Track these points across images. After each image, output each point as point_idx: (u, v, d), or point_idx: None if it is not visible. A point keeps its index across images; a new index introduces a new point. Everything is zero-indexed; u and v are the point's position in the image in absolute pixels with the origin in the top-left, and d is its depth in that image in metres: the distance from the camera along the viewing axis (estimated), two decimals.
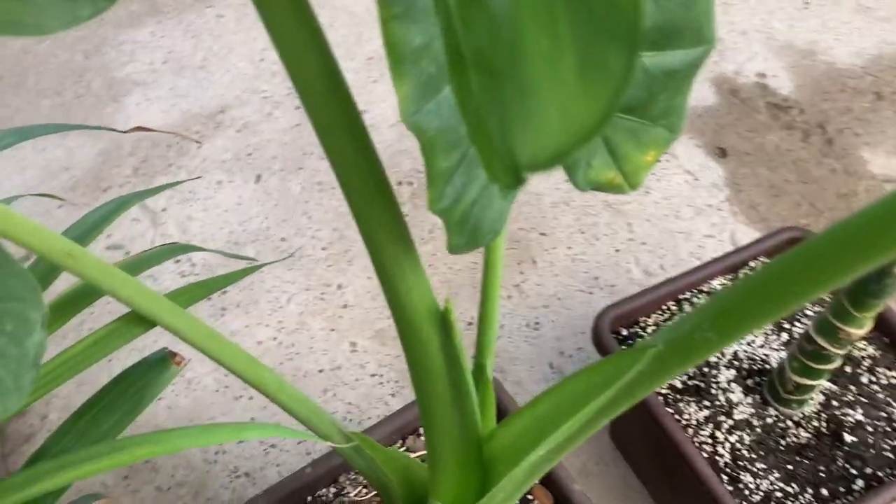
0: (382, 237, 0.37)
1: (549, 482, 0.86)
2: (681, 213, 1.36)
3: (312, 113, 0.32)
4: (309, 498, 0.84)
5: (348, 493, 0.86)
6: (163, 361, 0.45)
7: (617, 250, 1.31)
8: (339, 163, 0.34)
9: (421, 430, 0.90)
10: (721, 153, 1.46)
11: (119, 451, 0.37)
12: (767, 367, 0.93)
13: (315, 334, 1.26)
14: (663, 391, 0.92)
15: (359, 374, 1.22)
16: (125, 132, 0.55)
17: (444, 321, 0.43)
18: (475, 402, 0.49)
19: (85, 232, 0.44)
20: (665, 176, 1.42)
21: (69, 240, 0.31)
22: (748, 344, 0.95)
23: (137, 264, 0.44)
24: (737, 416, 0.89)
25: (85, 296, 0.42)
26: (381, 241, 0.37)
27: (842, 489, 0.85)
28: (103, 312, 1.16)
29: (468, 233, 0.37)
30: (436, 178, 0.33)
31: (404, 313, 0.42)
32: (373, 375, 1.22)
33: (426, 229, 1.34)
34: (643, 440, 1.00)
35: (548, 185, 1.40)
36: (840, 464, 0.87)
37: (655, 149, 0.45)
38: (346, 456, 0.53)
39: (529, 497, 0.86)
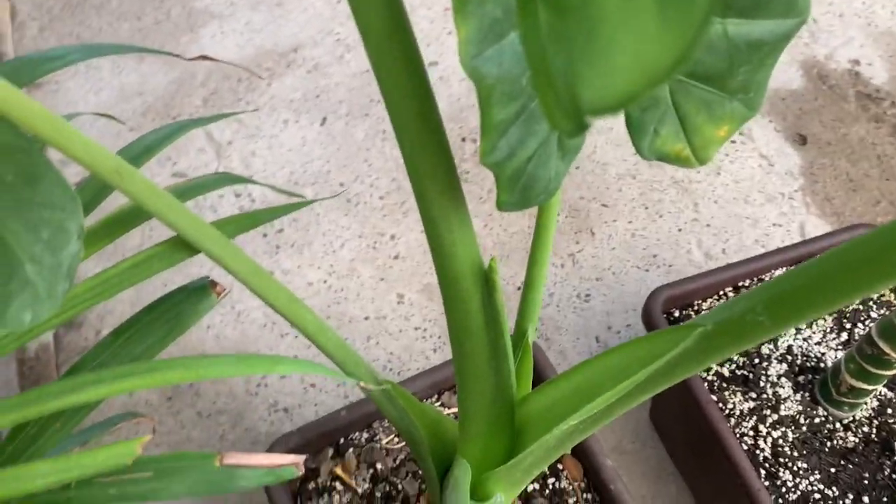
0: (431, 185, 0.36)
1: (581, 454, 0.85)
2: (751, 198, 1.31)
3: (370, 46, 0.31)
4: (342, 440, 0.86)
5: (380, 439, 0.87)
6: (203, 290, 0.46)
7: (679, 229, 1.28)
8: (393, 103, 0.33)
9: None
10: (801, 140, 1.39)
11: (152, 371, 0.37)
12: (822, 365, 0.90)
13: (364, 282, 1.26)
14: (709, 377, 0.90)
15: (403, 325, 1.23)
16: (190, 59, 0.55)
17: (487, 279, 0.42)
18: (511, 365, 0.49)
19: (140, 153, 0.44)
20: (739, 158, 1.36)
21: (119, 157, 0.32)
22: (804, 339, 0.92)
23: (189, 189, 0.44)
24: (783, 412, 0.87)
25: (133, 217, 0.42)
26: (429, 189, 0.36)
27: (885, 499, 0.82)
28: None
29: (520, 191, 0.36)
30: (490, 129, 0.32)
31: (447, 266, 0.41)
32: (416, 329, 1.22)
33: (486, 188, 1.33)
34: (683, 424, 0.98)
35: (615, 156, 1.37)
36: (887, 472, 0.84)
37: (730, 124, 0.42)
38: (378, 403, 0.53)
39: (559, 467, 0.86)
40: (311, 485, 0.84)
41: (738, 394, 0.88)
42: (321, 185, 1.35)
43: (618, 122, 1.43)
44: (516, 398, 0.53)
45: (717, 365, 0.90)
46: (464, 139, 1.41)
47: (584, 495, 0.85)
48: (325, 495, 0.83)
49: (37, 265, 0.23)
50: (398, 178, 1.37)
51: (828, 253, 0.34)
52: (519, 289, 1.22)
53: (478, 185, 1.35)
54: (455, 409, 0.89)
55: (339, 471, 0.84)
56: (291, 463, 0.42)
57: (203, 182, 0.46)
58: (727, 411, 0.87)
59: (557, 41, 0.19)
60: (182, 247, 0.42)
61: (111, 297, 0.40)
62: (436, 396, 0.91)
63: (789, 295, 0.36)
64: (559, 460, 0.86)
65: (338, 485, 0.84)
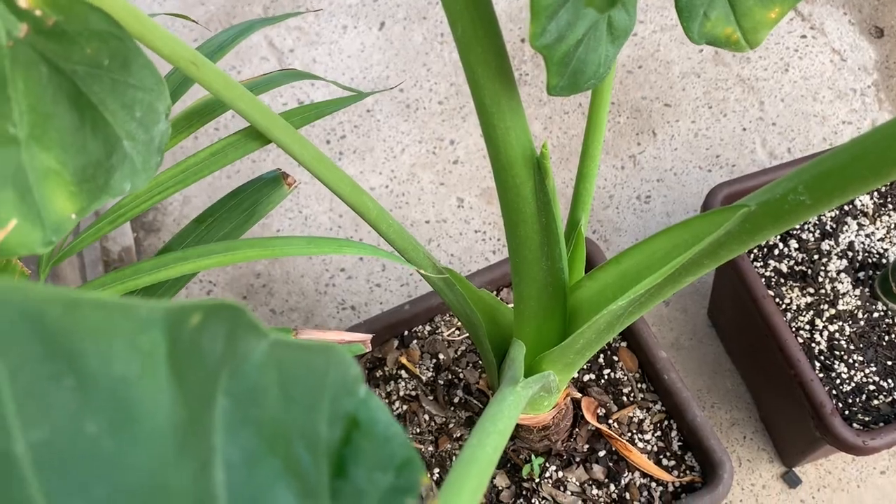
0: (483, 71, 0.38)
1: (636, 347, 0.88)
2: (820, 94, 1.27)
3: None
4: (406, 332, 0.91)
5: (442, 332, 0.91)
6: (275, 181, 0.49)
7: (744, 129, 1.26)
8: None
9: None
10: (877, 33, 1.33)
11: (234, 250, 0.41)
12: (884, 261, 0.90)
13: (424, 186, 1.29)
14: (767, 273, 0.90)
15: (463, 228, 1.26)
16: None
17: (539, 165, 0.44)
18: (563, 249, 0.51)
19: (211, 52, 0.47)
20: (808, 53, 1.32)
21: (195, 50, 0.34)
22: (867, 235, 0.91)
23: (258, 84, 0.47)
24: (840, 307, 0.88)
25: (209, 109, 0.46)
26: (481, 76, 0.38)
27: None
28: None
29: (569, 75, 0.38)
30: (539, 12, 0.33)
31: (501, 153, 0.43)
32: (476, 231, 1.25)
33: (545, 91, 1.33)
34: (740, 320, 1.00)
35: (679, 54, 1.34)
36: None
37: (780, 6, 0.43)
38: (439, 290, 0.57)
39: (615, 359, 0.89)
40: (379, 373, 0.89)
41: (796, 289, 0.89)
42: (385, 91, 1.37)
43: None
44: (568, 284, 0.56)
45: (776, 261, 0.91)
46: (523, 40, 1.40)
47: (639, 385, 0.88)
48: (392, 382, 0.88)
49: (133, 141, 0.26)
50: (457, 82, 1.37)
51: (870, 131, 0.35)
52: None
53: (538, 87, 1.34)
54: (512, 305, 0.93)
55: (404, 360, 0.89)
56: (360, 340, 0.46)
57: (272, 77, 0.49)
58: (784, 306, 0.89)
59: None
60: (254, 137, 0.45)
61: (192, 184, 0.44)
62: (494, 292, 0.95)
63: (830, 173, 0.37)
64: (615, 352, 0.89)
65: (403, 373, 0.89)
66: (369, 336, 0.48)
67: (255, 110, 0.41)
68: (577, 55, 0.38)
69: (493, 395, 0.49)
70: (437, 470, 0.84)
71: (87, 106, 0.25)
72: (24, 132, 0.24)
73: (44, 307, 0.15)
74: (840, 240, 0.91)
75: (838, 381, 0.84)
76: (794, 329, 0.87)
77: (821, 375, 0.84)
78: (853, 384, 0.84)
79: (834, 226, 0.92)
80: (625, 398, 0.87)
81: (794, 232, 0.92)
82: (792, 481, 1.01)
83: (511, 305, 0.93)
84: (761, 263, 0.91)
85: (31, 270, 0.45)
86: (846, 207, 0.93)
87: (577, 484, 0.83)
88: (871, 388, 0.84)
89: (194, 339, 0.19)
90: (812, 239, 0.91)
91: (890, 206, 0.92)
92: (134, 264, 0.41)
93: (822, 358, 0.86)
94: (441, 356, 0.91)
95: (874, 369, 0.85)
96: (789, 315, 0.88)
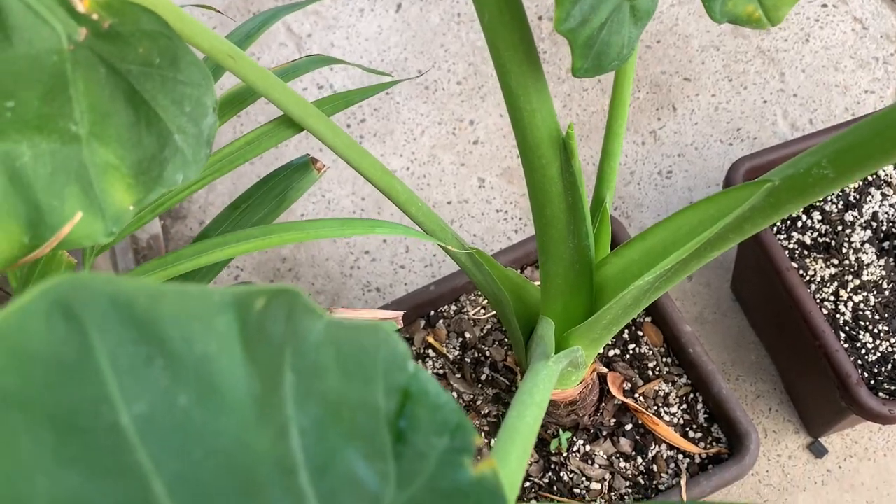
0: (510, 55, 0.39)
1: (661, 321, 0.89)
2: (841, 64, 1.27)
3: None
4: (432, 312, 0.93)
5: (468, 311, 0.93)
6: (305, 166, 0.51)
7: (765, 101, 1.26)
8: None
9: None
10: None
11: (270, 234, 0.43)
12: None
13: (445, 167, 1.31)
14: (791, 245, 0.91)
15: (485, 208, 1.27)
16: None
17: (565, 145, 0.45)
18: (589, 227, 0.52)
19: (239, 41, 0.49)
20: (829, 23, 1.31)
21: (231, 43, 0.36)
22: (890, 205, 0.91)
23: (287, 71, 0.48)
24: (865, 277, 0.88)
25: (242, 98, 0.47)
26: (508, 59, 0.39)
27: None
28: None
29: (593, 57, 0.39)
30: None
31: (527, 135, 0.44)
32: (498, 211, 1.26)
33: (564, 68, 1.33)
34: (763, 293, 1.01)
35: (697, 28, 1.34)
36: None
37: None
38: (466, 268, 0.58)
39: (640, 334, 0.91)
40: None
41: (820, 261, 0.90)
42: (398, 73, 1.38)
43: None
44: (595, 260, 0.57)
45: (799, 233, 0.91)
46: (540, 17, 1.40)
47: (664, 359, 0.90)
48: (420, 361, 0.90)
49: (183, 134, 0.28)
50: (475, 62, 1.38)
51: (894, 103, 0.36)
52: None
53: (556, 65, 1.35)
54: (537, 283, 0.94)
55: (431, 339, 0.91)
56: (392, 318, 0.48)
57: (300, 63, 0.50)
58: (807, 278, 0.89)
59: None
60: (287, 125, 0.47)
61: (229, 171, 0.46)
62: (518, 270, 0.97)
63: (854, 147, 0.38)
64: (639, 328, 0.90)
65: (430, 352, 0.91)
66: (400, 313, 0.50)
67: (290, 99, 0.42)
68: (601, 38, 0.39)
69: (526, 371, 0.50)
70: None
71: (140, 103, 0.27)
72: (84, 130, 0.25)
73: (132, 297, 0.17)
74: (864, 210, 0.91)
75: (863, 351, 0.85)
76: (818, 300, 0.88)
77: (846, 346, 0.85)
78: (878, 354, 0.85)
79: (857, 196, 0.92)
80: (650, 372, 0.89)
81: (818, 204, 0.92)
82: (818, 451, 1.02)
83: (537, 283, 0.95)
84: (784, 236, 0.91)
85: (76, 260, 0.47)
86: (870, 178, 0.93)
87: (605, 457, 0.85)
88: None
89: (260, 321, 0.20)
90: (835, 210, 0.91)
91: None
92: (175, 251, 0.43)
93: (847, 328, 0.86)
94: (467, 335, 0.92)
95: None
96: (813, 287, 0.89)
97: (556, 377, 0.49)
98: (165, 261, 0.44)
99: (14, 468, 0.14)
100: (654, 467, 0.84)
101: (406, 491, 0.19)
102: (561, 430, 0.85)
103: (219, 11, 0.52)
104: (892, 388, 0.83)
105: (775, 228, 0.92)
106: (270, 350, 0.20)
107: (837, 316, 0.87)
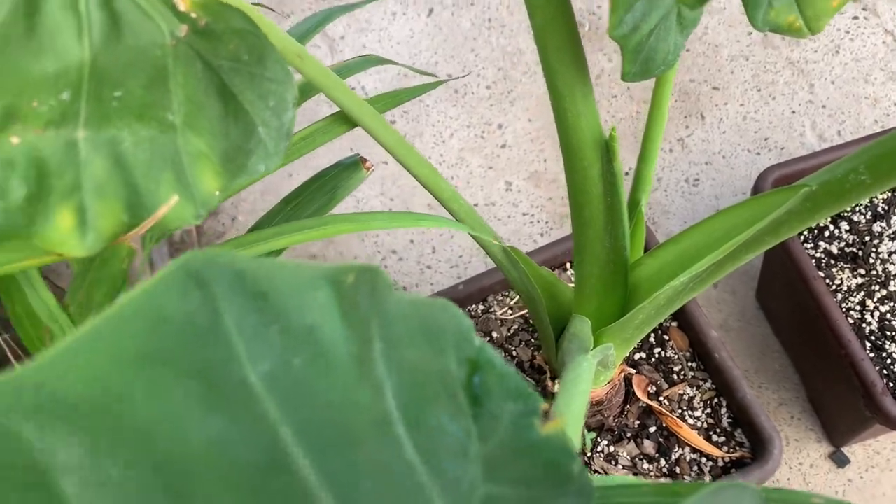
0: (559, 58, 0.41)
1: (687, 326, 0.91)
2: (871, 76, 1.28)
3: None
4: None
5: (495, 311, 0.95)
6: (355, 165, 0.53)
7: (793, 112, 1.27)
8: None
9: (567, 265, 0.97)
10: None
11: (325, 225, 0.45)
12: None
13: (473, 170, 1.33)
14: (817, 255, 0.92)
15: (511, 211, 1.29)
16: None
17: (607, 148, 0.47)
18: (626, 228, 0.54)
19: (298, 39, 0.51)
20: (860, 35, 1.32)
21: (300, 45, 0.38)
22: None
23: (341, 70, 0.51)
24: (892, 288, 0.89)
25: (301, 95, 0.50)
26: (557, 63, 0.41)
27: None
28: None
29: (641, 62, 0.41)
30: (619, 4, 0.36)
31: (571, 136, 0.46)
32: (524, 214, 1.28)
33: (593, 74, 1.35)
34: (789, 301, 1.02)
35: (727, 37, 1.35)
36: None
37: None
38: (500, 264, 0.60)
39: (665, 338, 0.92)
40: None
41: (847, 271, 0.91)
42: (429, 76, 1.40)
43: (730, 2, 1.39)
44: (629, 262, 0.59)
45: (826, 242, 0.93)
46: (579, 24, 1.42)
47: (689, 364, 0.91)
48: None
49: (266, 127, 0.30)
50: (504, 67, 1.40)
51: None
52: (627, 174, 1.26)
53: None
54: (572, 283, 0.96)
55: None
56: None
57: (354, 63, 0.52)
58: (834, 287, 0.90)
59: None
60: (341, 122, 0.49)
61: (288, 164, 0.48)
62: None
63: (891, 153, 0.39)
64: (666, 332, 0.92)
65: None
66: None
67: (347, 98, 0.45)
68: (649, 44, 0.41)
69: (565, 366, 0.52)
70: None
71: (230, 96, 0.29)
72: (180, 120, 0.28)
73: (251, 271, 0.19)
74: (892, 221, 0.92)
75: (889, 360, 0.86)
76: (844, 310, 0.89)
77: (871, 355, 0.86)
78: None
79: (886, 207, 0.93)
80: (675, 376, 0.90)
81: (845, 214, 0.94)
82: (840, 461, 1.03)
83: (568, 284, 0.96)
84: (811, 245, 0.93)
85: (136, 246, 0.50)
86: None
87: (629, 458, 0.86)
88: None
89: (351, 294, 0.22)
90: (863, 221, 0.93)
91: None
92: (236, 238, 0.46)
93: (873, 338, 0.87)
94: (494, 334, 0.94)
95: None
96: (839, 296, 0.90)
97: (594, 370, 0.51)
98: (229, 247, 0.46)
99: (171, 414, 0.16)
100: (678, 469, 0.86)
101: (486, 446, 0.21)
102: (586, 431, 0.86)
103: (271, 9, 0.54)
104: None
105: (802, 237, 0.93)
106: (361, 320, 0.22)
107: (863, 325, 0.88)
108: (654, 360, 0.92)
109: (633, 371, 0.88)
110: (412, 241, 1.25)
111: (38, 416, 0.14)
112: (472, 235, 0.58)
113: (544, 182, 1.30)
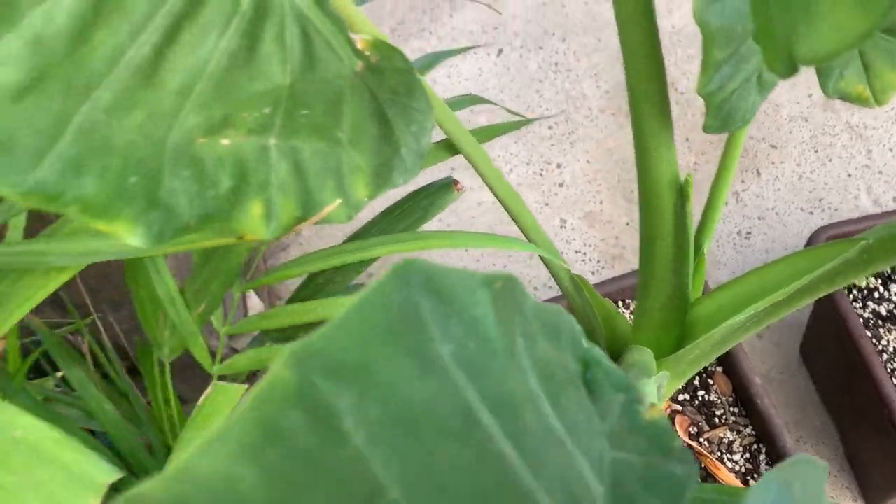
0: (648, 107, 0.47)
1: (731, 371, 0.95)
2: None
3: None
4: None
5: None
6: (448, 186, 0.59)
7: (849, 175, 1.31)
8: (627, 33, 0.43)
9: (620, 303, 1.02)
10: None
11: (417, 240, 0.51)
12: None
13: (529, 206, 1.38)
14: (866, 314, 0.96)
15: (564, 248, 1.34)
16: None
17: (681, 191, 0.53)
18: (691, 267, 0.60)
19: None
20: None
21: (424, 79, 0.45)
22: None
23: (452, 105, 0.57)
24: None
25: None
26: (645, 110, 0.47)
27: None
28: None
29: (723, 117, 0.46)
30: (709, 66, 0.42)
31: (649, 177, 0.52)
32: (577, 252, 1.34)
33: None
34: (834, 358, 1.05)
35: (788, 98, 1.40)
36: None
37: None
38: (567, 291, 0.66)
39: (710, 382, 0.96)
40: None
41: (894, 332, 0.95)
42: (495, 112, 1.47)
43: None
44: (690, 299, 0.64)
45: (875, 303, 0.96)
46: None
47: (731, 408, 0.95)
48: None
49: (407, 148, 0.36)
50: (567, 109, 1.47)
51: None
52: None
53: None
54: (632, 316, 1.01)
55: None
56: None
57: (460, 101, 0.59)
58: (880, 347, 0.94)
59: (781, 10, 0.30)
60: (445, 149, 0.55)
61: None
62: None
63: None
64: (710, 376, 0.96)
65: None
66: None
67: (457, 129, 0.51)
68: (731, 102, 0.46)
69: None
70: None
71: (385, 122, 0.35)
72: (346, 138, 0.34)
73: (435, 274, 0.25)
74: None
75: None
76: (889, 370, 0.92)
77: None
78: None
79: None
80: (716, 419, 0.94)
81: (895, 276, 0.97)
82: None
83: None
84: (860, 304, 0.96)
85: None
86: None
87: None
88: None
89: (500, 296, 0.28)
90: None
91: None
92: (340, 245, 0.52)
93: None
94: None
95: None
96: (885, 356, 0.93)
97: (655, 395, 0.56)
98: (317, 255, 0.52)
99: (400, 376, 0.22)
100: None
101: (605, 424, 0.27)
102: None
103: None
104: None
105: (852, 296, 0.97)
106: (507, 317, 0.28)
107: None
108: (697, 402, 0.96)
109: (678, 408, 0.92)
110: (478, 261, 1.31)
111: (326, 371, 0.20)
112: (544, 261, 0.64)
113: (598, 223, 1.36)
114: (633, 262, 1.33)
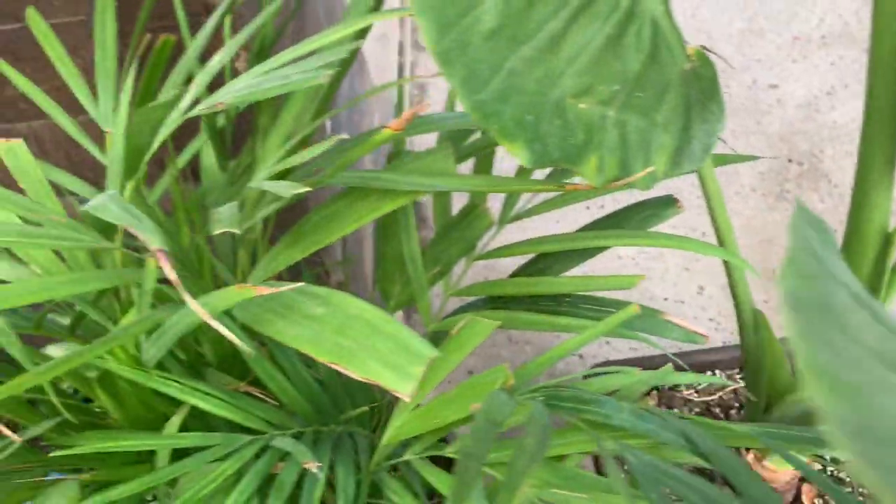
0: (877, 158, 0.54)
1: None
2: None
3: (877, 57, 0.50)
4: None
5: (682, 389, 1.06)
6: (670, 201, 0.69)
7: None
8: (877, 89, 0.51)
9: None
10: None
11: (647, 237, 0.60)
12: None
13: (669, 267, 1.45)
14: None
15: (698, 314, 1.40)
16: None
17: (888, 239, 0.60)
18: None
19: None
20: None
21: None
22: None
23: None
24: None
25: None
26: (873, 161, 0.55)
27: None
28: None
29: None
30: None
31: (861, 222, 0.59)
32: (711, 320, 1.39)
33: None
34: None
35: None
36: None
37: None
38: (744, 327, 0.72)
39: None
40: None
41: None
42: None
43: None
44: None
45: None
46: (790, 160, 1.55)
47: (860, 489, 0.98)
48: None
49: (698, 141, 0.44)
50: (720, 182, 1.53)
51: None
52: None
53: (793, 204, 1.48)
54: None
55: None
56: (700, 332, 0.63)
57: None
58: None
59: None
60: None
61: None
62: (738, 370, 1.09)
63: None
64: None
65: None
66: (703, 330, 0.65)
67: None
68: None
69: None
70: None
71: (688, 115, 0.44)
72: (661, 121, 0.43)
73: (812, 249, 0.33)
74: None
75: None
76: None
77: None
78: None
79: None
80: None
81: None
82: None
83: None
84: None
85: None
86: None
87: None
88: None
89: None
90: None
91: None
92: (571, 233, 0.61)
93: None
94: (675, 410, 1.04)
95: None
96: None
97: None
98: (560, 237, 0.62)
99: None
100: None
101: None
102: None
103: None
104: None
105: None
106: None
107: None
108: (828, 475, 0.99)
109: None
110: (663, 298, 1.38)
111: None
112: (732, 291, 0.71)
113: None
114: None
